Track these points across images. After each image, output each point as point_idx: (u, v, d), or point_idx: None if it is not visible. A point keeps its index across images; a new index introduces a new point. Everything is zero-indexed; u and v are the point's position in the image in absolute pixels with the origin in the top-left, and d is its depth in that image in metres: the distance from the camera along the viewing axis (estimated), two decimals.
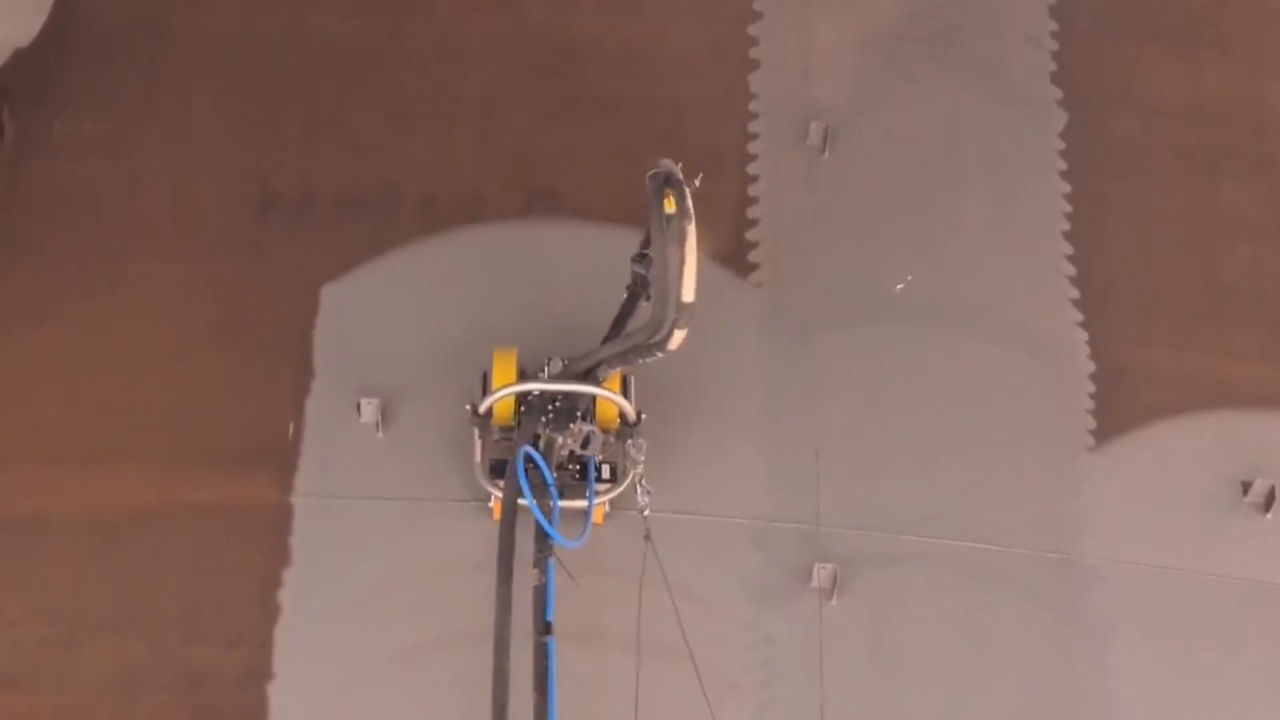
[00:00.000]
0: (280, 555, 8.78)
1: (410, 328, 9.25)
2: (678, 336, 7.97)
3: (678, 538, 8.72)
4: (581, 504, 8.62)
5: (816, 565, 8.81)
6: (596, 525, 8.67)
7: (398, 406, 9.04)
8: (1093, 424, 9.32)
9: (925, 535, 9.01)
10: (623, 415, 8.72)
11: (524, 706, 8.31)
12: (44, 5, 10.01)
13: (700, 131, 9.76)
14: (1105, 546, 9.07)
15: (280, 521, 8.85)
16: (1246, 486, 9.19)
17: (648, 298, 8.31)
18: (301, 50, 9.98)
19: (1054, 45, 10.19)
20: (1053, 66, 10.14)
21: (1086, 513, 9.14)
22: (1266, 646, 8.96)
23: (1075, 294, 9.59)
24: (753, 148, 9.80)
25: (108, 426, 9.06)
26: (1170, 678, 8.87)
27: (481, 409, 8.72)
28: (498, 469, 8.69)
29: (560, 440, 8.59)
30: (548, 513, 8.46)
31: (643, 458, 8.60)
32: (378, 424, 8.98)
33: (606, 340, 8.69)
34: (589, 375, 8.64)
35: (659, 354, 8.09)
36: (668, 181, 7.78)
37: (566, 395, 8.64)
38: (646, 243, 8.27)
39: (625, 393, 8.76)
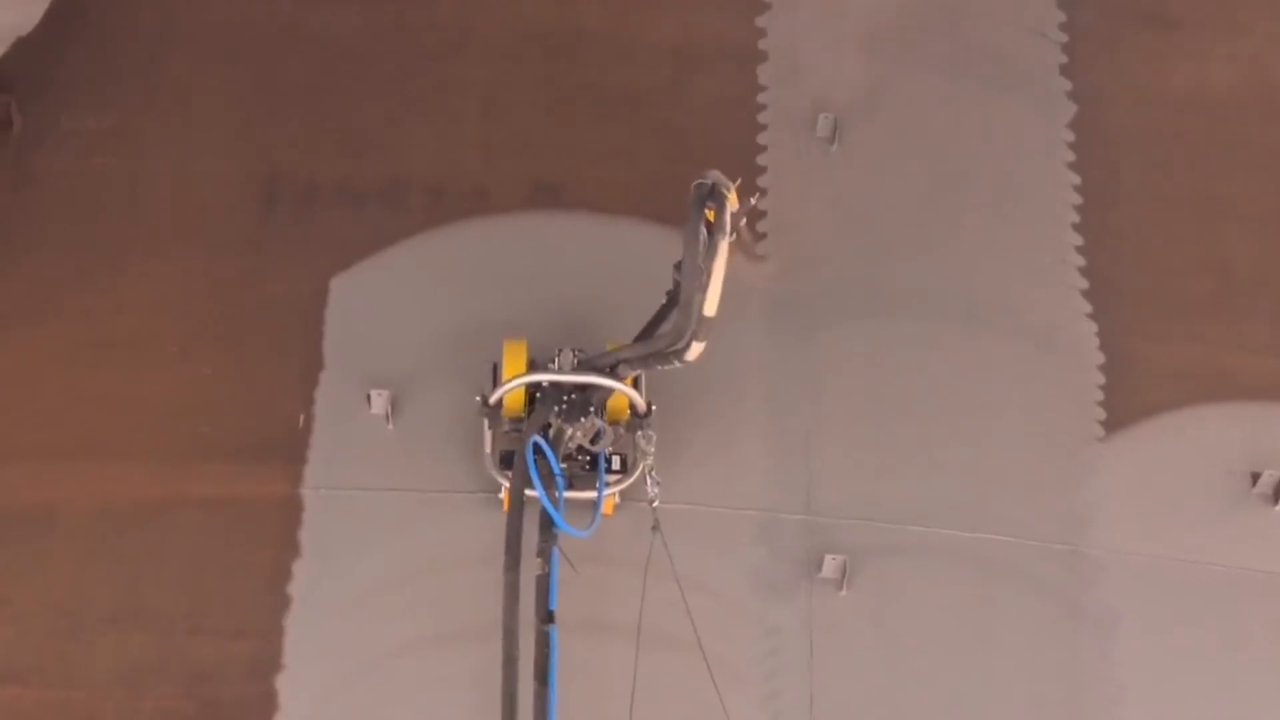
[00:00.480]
0: (289, 548, 8.76)
1: (419, 319, 9.24)
2: (696, 348, 8.00)
3: (684, 529, 8.71)
4: (592, 495, 8.61)
5: (827, 556, 8.80)
6: (606, 516, 8.67)
7: (407, 398, 9.03)
8: (1102, 415, 9.31)
9: (932, 527, 9.01)
10: (633, 407, 8.71)
11: (528, 696, 8.31)
12: None
13: (707, 123, 9.77)
14: (1113, 538, 9.07)
15: (289, 514, 8.83)
16: (1255, 478, 9.19)
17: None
18: (306, 43, 9.98)
19: (1062, 37, 10.20)
20: (1062, 58, 10.15)
21: (1094, 504, 9.14)
22: (1274, 638, 8.97)
23: (1084, 285, 9.59)
24: (761, 139, 9.79)
25: (114, 420, 9.04)
26: (1177, 669, 8.86)
27: (492, 400, 8.70)
28: (508, 460, 8.66)
29: (570, 431, 8.58)
30: (555, 502, 8.44)
31: (653, 449, 8.58)
32: (387, 415, 8.96)
33: (637, 340, 8.65)
34: (610, 373, 8.61)
35: (677, 363, 8.11)
36: (711, 194, 7.75)
37: (582, 388, 8.60)
38: None
39: (635, 384, 8.74)
